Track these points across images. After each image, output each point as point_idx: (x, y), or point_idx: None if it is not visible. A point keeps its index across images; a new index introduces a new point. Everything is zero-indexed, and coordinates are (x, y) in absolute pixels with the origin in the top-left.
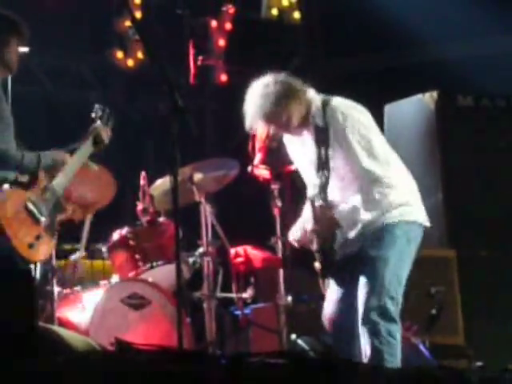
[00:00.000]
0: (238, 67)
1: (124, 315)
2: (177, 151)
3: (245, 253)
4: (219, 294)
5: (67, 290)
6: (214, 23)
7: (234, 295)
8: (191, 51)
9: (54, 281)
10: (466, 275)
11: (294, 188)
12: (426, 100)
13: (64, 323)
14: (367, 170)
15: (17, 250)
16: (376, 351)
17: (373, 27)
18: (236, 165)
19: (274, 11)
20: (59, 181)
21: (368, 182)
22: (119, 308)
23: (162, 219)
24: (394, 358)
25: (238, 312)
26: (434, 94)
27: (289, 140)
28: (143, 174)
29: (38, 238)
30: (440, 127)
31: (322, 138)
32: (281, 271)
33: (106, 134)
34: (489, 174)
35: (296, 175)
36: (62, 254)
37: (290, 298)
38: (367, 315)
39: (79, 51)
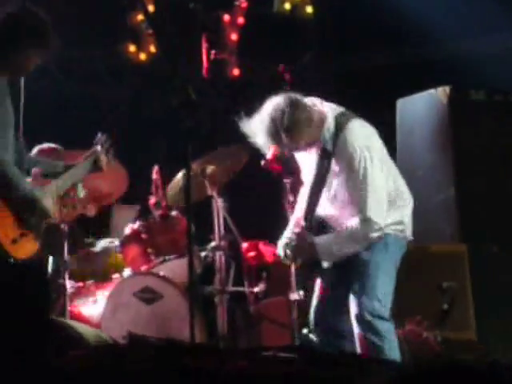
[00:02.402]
0: (251, 61)
1: (136, 309)
2: (189, 146)
3: (257, 247)
4: (231, 289)
5: (79, 284)
6: (226, 17)
7: (245, 289)
8: (204, 45)
9: (67, 274)
10: (477, 270)
11: None
12: (438, 95)
13: (76, 317)
14: (363, 209)
15: None
16: (376, 348)
17: (386, 23)
18: (245, 151)
19: (287, 5)
20: (57, 185)
21: (359, 220)
22: (131, 302)
23: (174, 213)
24: (395, 355)
25: (250, 306)
26: (447, 88)
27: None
28: (156, 167)
29: (22, 235)
30: (452, 122)
31: (327, 160)
32: (292, 266)
33: (105, 161)
34: (501, 170)
35: None
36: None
37: (301, 293)
38: (362, 315)
39: (92, 46)
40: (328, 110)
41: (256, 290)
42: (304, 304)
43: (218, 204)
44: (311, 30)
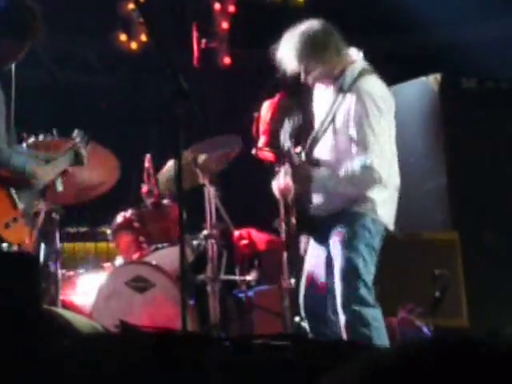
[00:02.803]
0: (242, 50)
1: (128, 298)
2: (181, 134)
3: (249, 235)
4: (223, 277)
5: (71, 273)
6: (217, 6)
7: (237, 278)
8: (195, 34)
9: (58, 264)
10: (469, 258)
11: None
12: (429, 82)
13: (68, 306)
14: (366, 155)
15: None
16: (365, 338)
17: (377, 10)
18: (238, 140)
19: None
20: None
21: (359, 165)
22: (123, 291)
23: (166, 202)
24: (383, 342)
25: (242, 295)
26: (438, 76)
27: (318, 90)
28: (148, 156)
29: (14, 220)
30: (444, 110)
31: (340, 100)
32: (285, 254)
33: (86, 155)
34: (493, 157)
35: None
36: (65, 237)
37: (293, 281)
38: (348, 306)
39: (85, 36)
40: (359, 60)
41: (248, 278)
42: (296, 292)
43: (210, 192)
44: (302, 19)
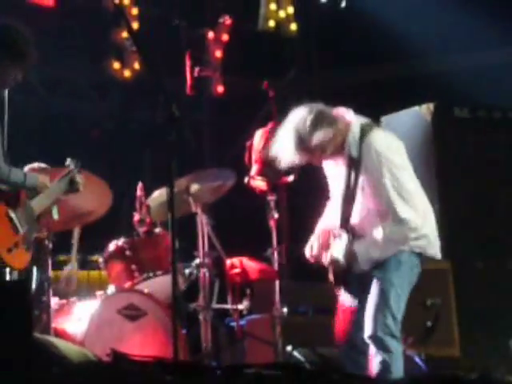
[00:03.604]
0: (235, 79)
1: (120, 326)
2: (173, 162)
3: (241, 264)
4: (215, 306)
5: (63, 301)
6: (210, 34)
7: (229, 306)
8: (188, 62)
9: (50, 291)
10: (461, 287)
11: (289, 199)
12: (422, 112)
13: (60, 334)
14: (395, 211)
15: None
16: (385, 365)
17: (370, 39)
18: (232, 175)
19: (271, 23)
20: (37, 202)
21: (393, 222)
22: (115, 319)
23: (158, 230)
24: (400, 373)
25: (234, 323)
26: (431, 105)
27: (326, 164)
28: (140, 184)
29: (16, 245)
30: (436, 139)
31: (354, 169)
32: (277, 283)
33: (81, 182)
34: (485, 186)
35: (292, 186)
36: (57, 265)
37: (285, 310)
38: (375, 333)
39: (76, 62)
40: (353, 119)
41: (240, 306)
42: (288, 321)
43: (203, 221)
44: (295, 47)
